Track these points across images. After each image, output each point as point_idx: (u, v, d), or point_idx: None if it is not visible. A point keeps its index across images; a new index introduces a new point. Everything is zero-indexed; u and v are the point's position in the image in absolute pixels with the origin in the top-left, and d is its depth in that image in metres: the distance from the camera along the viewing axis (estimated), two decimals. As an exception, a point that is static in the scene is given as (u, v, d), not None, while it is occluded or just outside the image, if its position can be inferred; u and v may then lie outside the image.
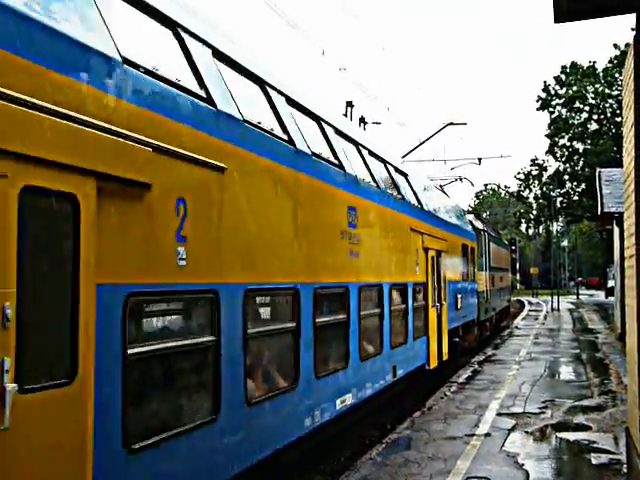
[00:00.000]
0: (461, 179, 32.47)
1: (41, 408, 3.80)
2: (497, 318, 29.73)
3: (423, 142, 27.39)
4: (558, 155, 58.49)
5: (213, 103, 5.94)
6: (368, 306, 10.28)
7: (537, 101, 58.55)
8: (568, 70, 57.20)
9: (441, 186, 24.02)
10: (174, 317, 5.81)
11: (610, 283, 53.10)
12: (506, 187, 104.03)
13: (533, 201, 65.02)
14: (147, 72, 5.07)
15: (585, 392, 13.52)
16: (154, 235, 4.95)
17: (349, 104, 22.90)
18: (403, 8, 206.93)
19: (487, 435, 9.91)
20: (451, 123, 28.20)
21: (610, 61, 55.47)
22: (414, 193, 14.40)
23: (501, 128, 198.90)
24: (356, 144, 10.95)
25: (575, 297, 65.95)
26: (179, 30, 5.93)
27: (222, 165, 5.83)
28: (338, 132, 10.02)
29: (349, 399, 9.11)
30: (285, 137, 7.57)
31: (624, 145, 7.89)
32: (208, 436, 5.56)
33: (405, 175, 14.24)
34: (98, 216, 4.25)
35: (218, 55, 6.57)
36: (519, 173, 64.21)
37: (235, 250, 6.18)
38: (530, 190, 63.77)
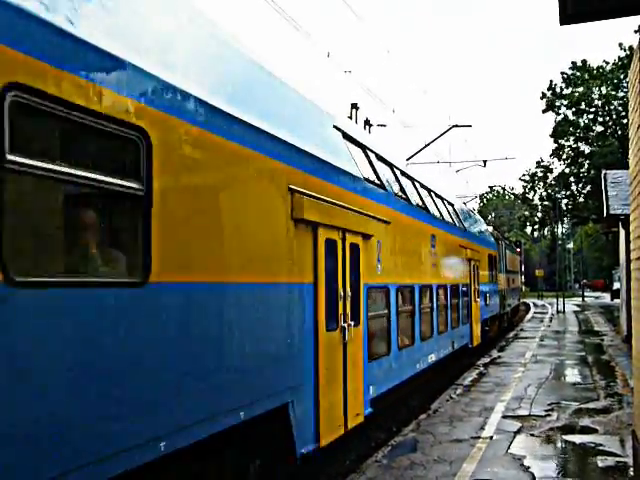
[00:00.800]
0: (481, 197, 40.07)
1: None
2: (510, 313, 34.45)
3: (428, 144, 27.40)
4: (563, 157, 58.35)
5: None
6: (440, 299, 14.97)
7: (541, 98, 58.35)
8: (578, 67, 56.91)
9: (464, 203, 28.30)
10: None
11: (616, 285, 52.96)
12: (511, 189, 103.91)
13: (538, 203, 64.87)
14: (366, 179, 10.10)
15: (591, 395, 13.48)
16: (369, 258, 9.83)
17: (354, 106, 22.90)
18: (408, 11, 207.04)
19: (493, 438, 9.89)
20: (456, 125, 28.21)
21: (615, 63, 55.33)
22: (459, 218, 19.22)
23: (506, 130, 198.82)
24: (428, 190, 15.63)
25: (580, 299, 65.81)
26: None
27: (388, 220, 10.70)
28: (422, 185, 15.02)
29: (433, 357, 14.15)
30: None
31: (630, 147, 7.88)
32: (386, 361, 10.73)
33: (452, 205, 19.06)
34: (362, 248, 9.40)
35: (347, 137, 10.09)
36: (524, 175, 64.09)
37: (409, 268, 12.42)
38: (535, 192, 63.64)
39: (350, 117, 21.58)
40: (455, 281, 16.85)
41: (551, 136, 58.37)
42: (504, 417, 11.34)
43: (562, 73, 57.49)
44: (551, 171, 60.94)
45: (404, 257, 11.95)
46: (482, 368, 17.58)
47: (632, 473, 7.95)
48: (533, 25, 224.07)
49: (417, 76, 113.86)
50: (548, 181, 61.07)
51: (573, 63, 57.27)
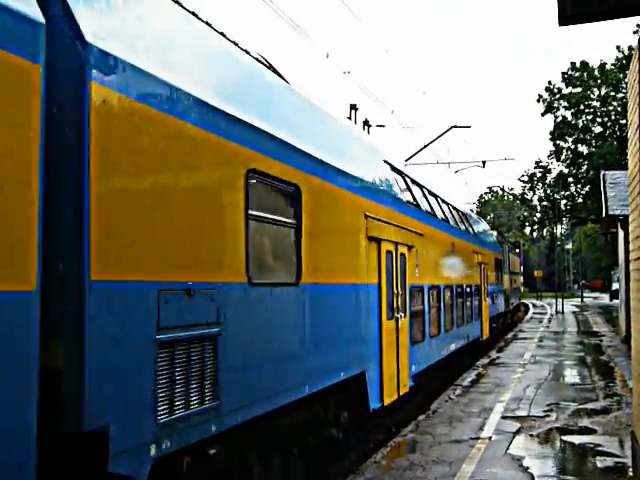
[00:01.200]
0: (480, 198, 41.85)
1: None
2: (512, 312, 37.37)
3: (427, 145, 27.44)
4: (562, 158, 58.35)
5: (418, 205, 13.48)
6: (458, 298, 17.35)
7: (538, 101, 58.36)
8: (577, 68, 56.90)
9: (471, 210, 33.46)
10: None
11: (615, 286, 53.00)
12: (510, 189, 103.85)
13: (537, 203, 64.88)
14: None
15: (590, 395, 13.49)
16: (411, 264, 12.19)
17: (353, 107, 22.92)
18: (407, 11, 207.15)
19: (492, 438, 9.89)
20: (455, 126, 28.26)
21: (614, 63, 55.33)
22: (471, 227, 21.67)
23: (505, 131, 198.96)
24: (447, 204, 18.02)
25: (579, 300, 65.85)
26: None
27: (422, 233, 13.08)
28: (443, 200, 17.45)
29: (453, 347, 16.47)
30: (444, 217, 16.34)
31: (629, 148, 7.89)
32: (422, 347, 12.93)
33: (466, 215, 21.76)
34: (407, 256, 11.91)
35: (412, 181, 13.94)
36: (523, 175, 64.06)
37: (436, 271, 14.85)
38: (534, 193, 63.64)
39: (349, 118, 21.59)
40: (469, 282, 19.39)
41: (550, 138, 58.38)
42: (503, 418, 11.35)
43: (563, 73, 57.45)
44: (550, 172, 60.92)
45: (433, 262, 14.57)
46: (481, 369, 17.59)
47: (631, 474, 7.95)
48: (532, 25, 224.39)
49: (416, 77, 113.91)
50: (547, 182, 61.03)
51: (572, 64, 57.28)
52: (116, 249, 4.42)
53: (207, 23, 6.62)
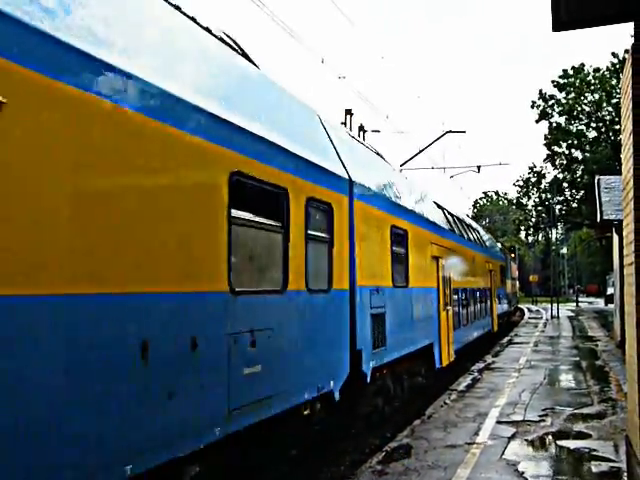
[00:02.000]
0: (475, 203, 44.64)
1: None
2: (512, 312, 43.81)
3: (422, 150, 27.47)
4: (557, 163, 58.51)
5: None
6: (477, 298, 22.72)
7: (532, 107, 58.53)
8: (569, 73, 57.10)
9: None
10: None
11: (609, 290, 53.09)
12: (505, 194, 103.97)
13: (532, 209, 65.00)
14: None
15: (585, 400, 13.50)
16: (459, 270, 19.30)
17: (348, 112, 22.92)
18: (402, 16, 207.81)
19: (487, 443, 9.89)
20: (450, 131, 28.30)
21: (608, 68, 55.54)
22: (483, 241, 27.36)
23: (500, 136, 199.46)
24: (467, 224, 23.73)
25: (575, 304, 65.93)
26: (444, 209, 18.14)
27: (456, 250, 18.81)
28: (464, 222, 23.00)
29: (475, 335, 21.69)
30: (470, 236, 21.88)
31: (622, 153, 7.92)
32: (457, 332, 17.82)
33: (478, 231, 27.07)
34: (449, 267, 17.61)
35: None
36: (517, 181, 64.20)
37: (464, 277, 19.84)
38: (529, 198, 63.77)
39: (344, 123, 21.60)
40: (483, 286, 24.77)
41: (545, 144, 58.54)
42: (498, 422, 11.35)
43: (553, 81, 57.66)
44: (544, 177, 61.07)
45: (463, 271, 19.91)
46: (476, 373, 17.59)
47: (626, 478, 7.95)
48: (528, 30, 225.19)
49: (411, 82, 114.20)
50: (542, 187, 61.15)
51: (564, 71, 57.52)
52: None
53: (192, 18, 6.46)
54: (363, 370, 9.56)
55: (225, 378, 5.83)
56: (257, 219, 6.48)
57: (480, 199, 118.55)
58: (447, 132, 28.09)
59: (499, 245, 36.17)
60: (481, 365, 19.33)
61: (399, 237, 12.00)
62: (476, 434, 10.48)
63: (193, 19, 6.43)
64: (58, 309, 4.08)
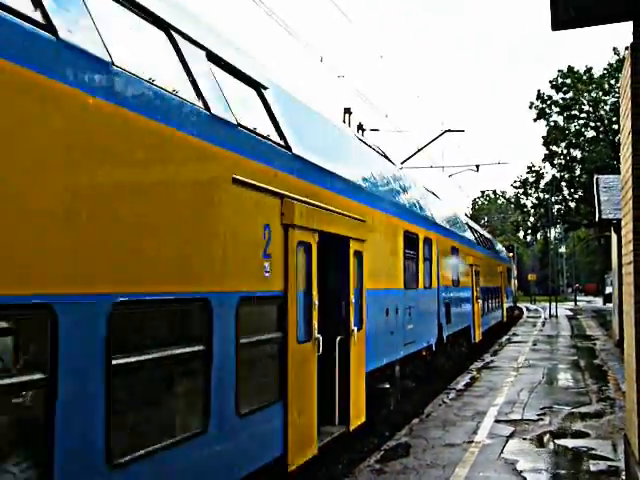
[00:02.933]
0: (473, 202, 58.92)
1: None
2: (514, 307, 49.13)
3: (421, 149, 27.45)
4: (555, 162, 58.48)
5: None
6: (492, 294, 29.04)
7: (530, 107, 58.52)
8: (565, 74, 57.12)
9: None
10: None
11: (608, 289, 53.10)
12: (502, 193, 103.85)
13: (530, 209, 64.97)
14: None
15: (583, 399, 13.52)
16: (482, 273, 25.94)
17: (347, 111, 22.92)
18: (401, 15, 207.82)
19: (485, 442, 9.90)
20: (449, 130, 28.27)
21: (606, 68, 55.53)
22: (495, 248, 34.40)
23: (498, 135, 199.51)
24: (485, 237, 30.39)
25: (573, 303, 65.98)
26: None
27: (482, 257, 24.99)
28: (483, 235, 31.06)
29: (493, 322, 28.95)
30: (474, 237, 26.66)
31: (621, 152, 7.92)
32: (483, 318, 25.20)
33: (491, 241, 34.19)
34: (479, 271, 25.21)
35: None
36: (516, 181, 64.16)
37: (484, 278, 26.40)
38: (527, 197, 63.74)
39: (343, 122, 21.61)
40: (496, 285, 31.44)
41: (543, 143, 58.51)
42: (497, 421, 11.36)
43: (550, 81, 57.63)
44: (543, 176, 61.02)
45: (484, 273, 25.95)
46: (475, 372, 17.60)
47: (624, 477, 7.96)
48: (527, 29, 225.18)
49: (410, 81, 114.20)
50: (540, 186, 61.10)
51: (559, 71, 57.55)
52: None
53: None
54: (443, 336, 16.07)
55: (402, 328, 11.91)
56: (410, 252, 12.90)
57: (478, 198, 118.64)
58: (446, 131, 28.07)
59: (504, 250, 43.40)
60: (479, 364, 19.34)
61: (455, 254, 19.04)
62: (475, 433, 10.49)
63: (366, 144, 12.56)
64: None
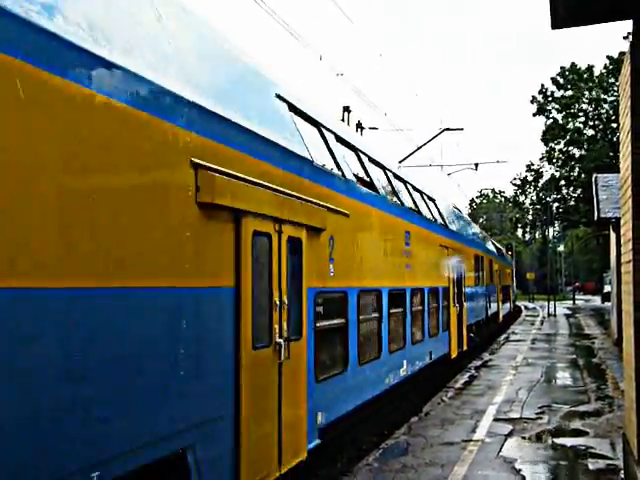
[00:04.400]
0: (471, 201, 52.79)
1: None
2: (515, 300, 57.78)
3: (420, 147, 27.45)
4: (554, 161, 58.49)
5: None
6: (503, 292, 36.25)
7: (532, 102, 58.52)
8: (567, 71, 57.14)
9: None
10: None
11: (606, 288, 53.11)
12: (500, 192, 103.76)
13: (529, 207, 64.97)
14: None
15: (582, 397, 13.52)
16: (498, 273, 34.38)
17: (346, 109, 22.91)
18: (400, 14, 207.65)
19: (484, 441, 9.89)
20: (448, 129, 28.28)
21: (605, 67, 55.54)
22: (505, 254, 44.43)
23: (497, 134, 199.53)
24: (494, 244, 37.28)
25: (571, 302, 66.02)
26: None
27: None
28: (494, 243, 39.38)
29: (502, 313, 34.96)
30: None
31: (621, 150, 7.91)
32: (503, 307, 36.52)
33: (500, 249, 39.24)
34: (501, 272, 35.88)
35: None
36: (515, 179, 64.16)
37: (496, 278, 34.22)
38: (526, 196, 63.74)
39: (342, 120, 21.59)
40: (504, 284, 36.83)
41: (542, 140, 58.52)
42: (495, 420, 11.36)
43: (552, 78, 57.65)
44: (541, 175, 61.02)
45: (501, 275, 34.59)
46: (473, 371, 17.60)
47: (623, 476, 7.96)
48: (526, 28, 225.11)
49: (409, 79, 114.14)
50: (539, 185, 61.10)
51: (562, 68, 57.54)
52: None
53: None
54: (488, 315, 24.43)
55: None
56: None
57: (476, 197, 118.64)
58: (445, 129, 28.10)
59: (509, 253, 51.25)
60: (478, 363, 19.34)
61: (481, 263, 24.93)
62: (473, 431, 10.49)
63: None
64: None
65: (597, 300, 69.95)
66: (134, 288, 4.41)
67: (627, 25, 7.12)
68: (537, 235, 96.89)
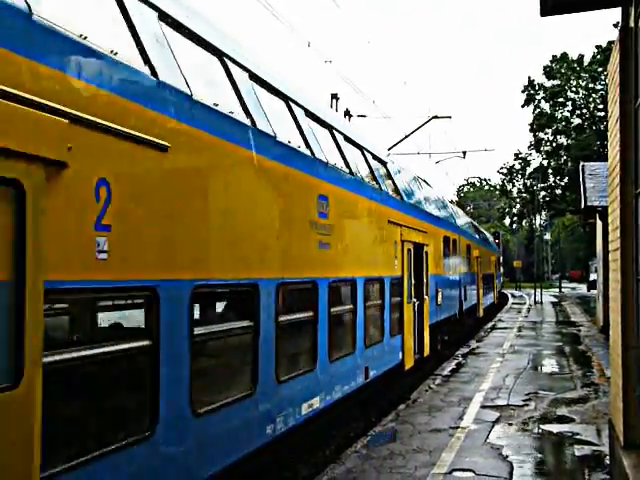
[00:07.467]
0: (459, 189, 55.10)
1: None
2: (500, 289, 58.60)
3: (408, 135, 27.41)
4: (542, 149, 58.76)
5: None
6: (491, 280, 39.14)
7: (523, 92, 58.67)
8: (558, 60, 57.28)
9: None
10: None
11: (592, 276, 53.56)
12: (487, 180, 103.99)
13: (516, 195, 65.32)
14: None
15: (568, 384, 13.63)
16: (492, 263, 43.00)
17: (334, 96, 22.85)
18: (388, 0, 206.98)
19: (471, 427, 9.95)
20: (435, 117, 28.23)
21: (594, 56, 55.73)
22: (490, 242, 43.42)
23: (485, 122, 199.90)
24: (484, 234, 41.85)
25: (558, 290, 66.52)
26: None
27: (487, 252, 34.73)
28: (487, 236, 45.34)
29: (490, 300, 38.02)
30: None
31: (609, 139, 7.92)
32: (488, 296, 38.12)
33: (487, 236, 42.61)
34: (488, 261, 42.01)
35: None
36: (502, 168, 64.44)
37: (488, 266, 40.26)
38: (513, 184, 64.05)
39: (330, 107, 21.52)
40: (490, 272, 38.09)
41: (530, 130, 58.74)
42: (483, 407, 11.43)
43: (545, 67, 57.78)
44: (529, 164, 61.32)
45: (487, 263, 36.09)
46: (461, 358, 17.70)
47: (608, 461, 8.04)
48: (516, 16, 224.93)
49: (397, 67, 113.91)
50: (526, 173, 61.39)
51: (553, 56, 57.68)
52: None
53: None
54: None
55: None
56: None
57: (463, 186, 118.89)
58: (433, 117, 28.03)
59: (496, 241, 51.91)
60: (465, 350, 19.44)
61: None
62: (460, 418, 10.55)
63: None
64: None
65: (583, 288, 70.47)
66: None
67: (616, 13, 7.12)
68: (524, 224, 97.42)
